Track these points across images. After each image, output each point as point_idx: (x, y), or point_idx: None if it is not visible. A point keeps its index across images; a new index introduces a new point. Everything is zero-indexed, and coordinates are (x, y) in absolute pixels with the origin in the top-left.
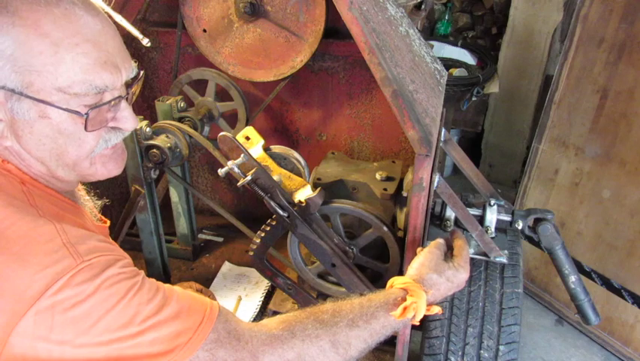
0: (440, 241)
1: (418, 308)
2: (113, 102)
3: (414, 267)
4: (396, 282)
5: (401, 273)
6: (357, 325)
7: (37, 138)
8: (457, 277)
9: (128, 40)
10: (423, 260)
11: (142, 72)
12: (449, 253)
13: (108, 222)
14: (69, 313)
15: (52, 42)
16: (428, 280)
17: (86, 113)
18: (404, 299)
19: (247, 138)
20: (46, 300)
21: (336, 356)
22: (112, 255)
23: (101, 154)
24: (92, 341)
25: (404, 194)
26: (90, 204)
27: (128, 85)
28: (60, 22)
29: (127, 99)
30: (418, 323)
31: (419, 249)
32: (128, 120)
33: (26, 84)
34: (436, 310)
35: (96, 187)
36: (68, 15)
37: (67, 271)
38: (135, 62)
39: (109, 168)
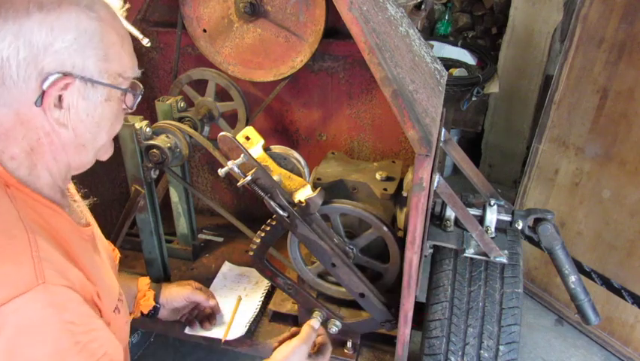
0: (311, 332)
1: None
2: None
3: (283, 354)
4: None
5: (401, 273)
6: None
7: (97, 120)
8: None
9: None
10: (293, 352)
11: None
12: (314, 347)
13: (91, 225)
14: (7, 341)
15: (118, 34)
16: None
17: (140, 92)
18: None
19: (247, 138)
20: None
21: None
22: (73, 289)
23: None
24: None
25: (404, 194)
26: (78, 206)
27: None
28: (116, 18)
29: None
30: None
31: (294, 329)
32: (132, 98)
33: (103, 72)
34: None
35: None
36: (116, 13)
37: (25, 289)
38: None
39: (110, 150)
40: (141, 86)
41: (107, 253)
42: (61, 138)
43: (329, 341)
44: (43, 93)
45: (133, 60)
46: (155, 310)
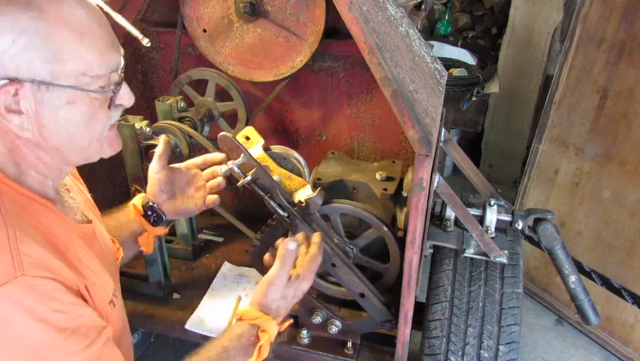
0: (285, 255)
1: (272, 336)
2: (118, 81)
3: (261, 297)
4: (245, 316)
5: (401, 273)
6: None
7: (62, 124)
8: (298, 291)
9: (128, 40)
10: (267, 291)
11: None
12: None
13: (91, 222)
14: None
15: (75, 31)
16: (274, 309)
17: (113, 91)
18: (257, 338)
19: (247, 138)
20: None
21: None
22: (57, 281)
23: (107, 136)
24: None
25: (404, 194)
26: (76, 202)
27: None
28: (76, 13)
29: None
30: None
31: (270, 254)
32: (128, 96)
33: (56, 73)
34: (287, 324)
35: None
36: (79, 6)
37: (3, 281)
38: None
39: (115, 148)
40: (119, 77)
41: (108, 249)
42: (32, 142)
43: (317, 252)
44: None
45: (102, 55)
46: (154, 213)
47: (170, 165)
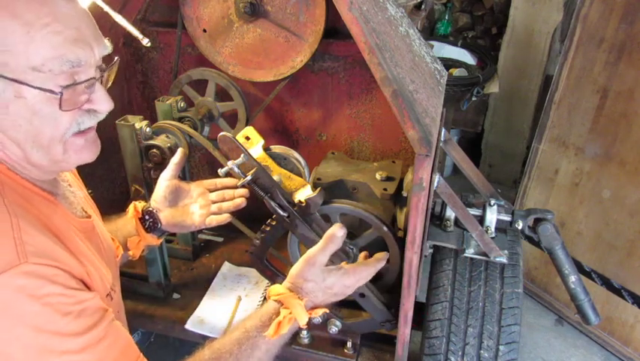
0: (329, 238)
1: (297, 316)
2: (86, 83)
3: (294, 273)
4: (272, 292)
5: (401, 273)
6: None
7: (13, 118)
8: (337, 284)
9: (128, 41)
10: (303, 267)
11: (116, 58)
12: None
13: (89, 217)
14: None
15: (24, 22)
16: (305, 289)
17: (60, 92)
18: (278, 314)
19: (247, 138)
20: None
21: None
22: (60, 268)
23: (74, 143)
24: (8, 355)
25: (404, 194)
26: (75, 198)
27: (103, 70)
28: (32, 5)
29: (101, 82)
30: (306, 326)
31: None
32: (103, 101)
33: (1, 64)
34: (321, 312)
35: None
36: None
37: (6, 268)
38: (109, 39)
39: (82, 157)
40: (91, 78)
41: (107, 245)
42: None
43: (374, 262)
44: None
45: (58, 50)
46: (150, 219)
47: (179, 181)
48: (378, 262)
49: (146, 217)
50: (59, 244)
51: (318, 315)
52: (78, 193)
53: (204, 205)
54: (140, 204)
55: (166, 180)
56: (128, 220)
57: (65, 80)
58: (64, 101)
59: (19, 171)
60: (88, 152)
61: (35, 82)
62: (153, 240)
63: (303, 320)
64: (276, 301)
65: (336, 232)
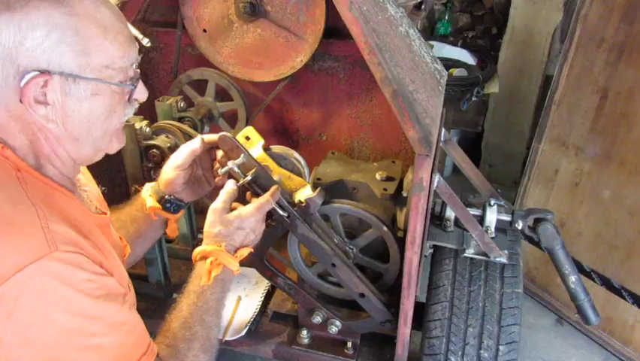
0: (224, 193)
1: (223, 260)
2: (138, 76)
3: (205, 228)
4: (194, 255)
5: (401, 273)
6: (209, 324)
7: (85, 115)
8: (245, 222)
9: None
10: (208, 221)
11: (141, 55)
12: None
13: (108, 213)
14: (29, 306)
15: (101, 26)
16: (218, 236)
17: (133, 84)
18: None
19: (247, 138)
20: (14, 286)
21: (211, 355)
22: (85, 255)
23: (117, 130)
24: (43, 339)
25: (404, 194)
26: (89, 195)
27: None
28: (100, 9)
29: None
30: (239, 271)
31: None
32: (143, 91)
33: (84, 66)
34: (246, 251)
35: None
36: (103, 4)
37: (39, 256)
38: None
39: (120, 141)
40: (136, 72)
41: (117, 244)
42: (53, 133)
43: (266, 196)
44: (22, 91)
45: (123, 49)
46: (173, 205)
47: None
48: (272, 194)
49: (167, 205)
50: (81, 234)
51: (244, 255)
52: (93, 190)
53: (208, 168)
54: (152, 201)
55: (182, 169)
56: (147, 214)
57: (123, 76)
58: (131, 93)
59: (41, 170)
60: (123, 137)
61: (111, 79)
62: (182, 212)
63: (229, 262)
64: (201, 259)
65: (226, 188)
